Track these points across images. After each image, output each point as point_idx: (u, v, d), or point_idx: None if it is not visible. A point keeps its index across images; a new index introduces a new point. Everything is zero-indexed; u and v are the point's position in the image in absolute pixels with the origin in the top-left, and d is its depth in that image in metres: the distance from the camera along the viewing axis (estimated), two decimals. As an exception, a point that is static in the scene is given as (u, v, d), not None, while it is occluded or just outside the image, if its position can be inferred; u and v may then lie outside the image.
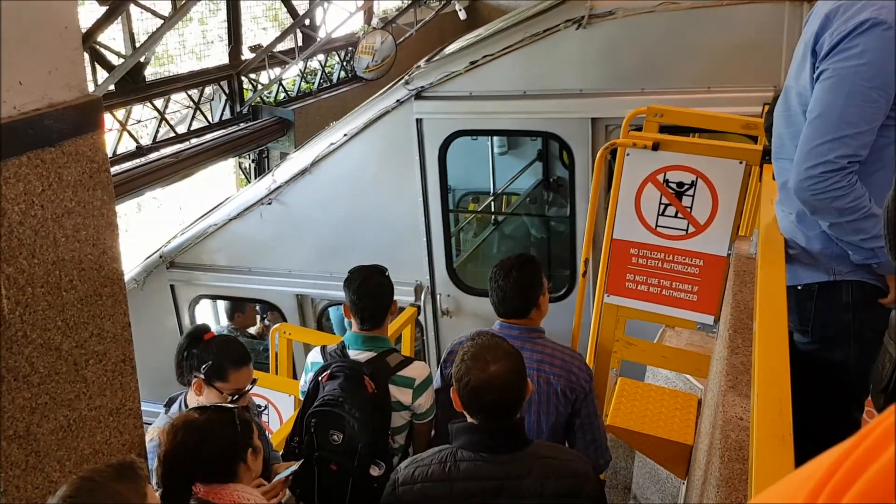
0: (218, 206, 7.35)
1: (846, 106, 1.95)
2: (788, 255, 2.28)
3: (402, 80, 6.19)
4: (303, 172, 6.63)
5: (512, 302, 2.88)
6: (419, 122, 6.13)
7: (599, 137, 5.76)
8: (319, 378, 2.87)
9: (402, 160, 6.32)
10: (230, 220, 7.01)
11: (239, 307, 7.83)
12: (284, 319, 7.10)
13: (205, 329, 2.85)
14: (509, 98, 5.92)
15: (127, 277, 7.20)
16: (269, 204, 6.82)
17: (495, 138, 9.34)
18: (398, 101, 6.14)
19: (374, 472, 2.76)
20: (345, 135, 6.41)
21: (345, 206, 6.69)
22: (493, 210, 9.71)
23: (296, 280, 6.98)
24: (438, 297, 6.70)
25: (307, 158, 6.61)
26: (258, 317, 8.08)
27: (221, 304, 8.44)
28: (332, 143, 6.47)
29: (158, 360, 7.17)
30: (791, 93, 2.24)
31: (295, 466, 2.60)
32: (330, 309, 7.52)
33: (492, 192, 9.75)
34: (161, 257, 7.30)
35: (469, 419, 2.24)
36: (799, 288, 2.25)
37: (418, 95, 6.06)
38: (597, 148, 5.47)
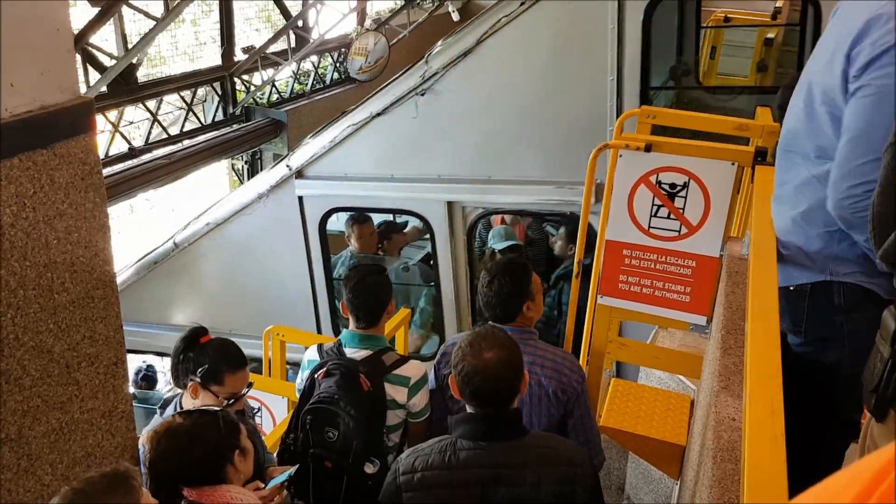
0: (352, 109, 6.40)
1: (889, 125, 1.90)
2: (781, 256, 2.27)
3: None
4: (465, 54, 5.62)
5: (494, 310, 2.95)
6: None
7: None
8: (316, 375, 2.88)
9: (592, 29, 5.35)
10: (373, 117, 6.03)
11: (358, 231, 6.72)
12: (431, 231, 6.37)
13: (201, 332, 2.83)
14: None
15: (253, 193, 6.64)
16: (422, 95, 5.80)
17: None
18: None
19: (369, 469, 2.77)
20: (522, 3, 5.39)
21: (513, 94, 5.69)
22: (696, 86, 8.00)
23: (447, 186, 6.08)
24: None
25: (471, 38, 5.61)
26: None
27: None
28: (504, 16, 5.46)
29: (281, 284, 6.79)
30: (814, 88, 2.16)
31: (291, 471, 2.60)
32: (493, 226, 6.70)
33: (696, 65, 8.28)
34: (288, 167, 6.52)
35: (469, 410, 2.29)
36: (791, 289, 2.24)
37: None
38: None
